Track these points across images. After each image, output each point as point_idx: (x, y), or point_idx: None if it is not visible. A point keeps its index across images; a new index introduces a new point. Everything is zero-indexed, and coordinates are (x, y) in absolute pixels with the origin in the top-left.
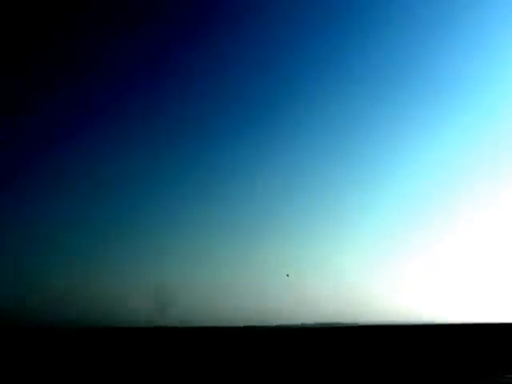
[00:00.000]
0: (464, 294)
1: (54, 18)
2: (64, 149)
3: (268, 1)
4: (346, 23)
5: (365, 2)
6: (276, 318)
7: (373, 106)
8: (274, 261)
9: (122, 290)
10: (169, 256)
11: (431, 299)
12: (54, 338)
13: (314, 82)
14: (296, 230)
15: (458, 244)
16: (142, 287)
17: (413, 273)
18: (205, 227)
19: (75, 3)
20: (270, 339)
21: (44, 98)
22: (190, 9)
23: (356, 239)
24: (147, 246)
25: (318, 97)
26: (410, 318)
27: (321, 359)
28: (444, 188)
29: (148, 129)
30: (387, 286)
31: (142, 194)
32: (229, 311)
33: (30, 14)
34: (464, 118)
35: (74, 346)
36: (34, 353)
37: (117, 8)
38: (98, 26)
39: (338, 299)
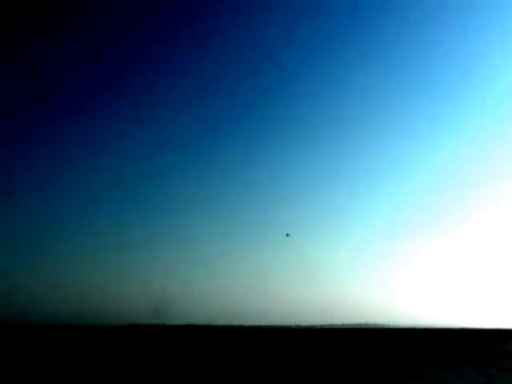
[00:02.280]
0: (456, 298)
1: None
2: (65, 148)
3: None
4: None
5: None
6: (265, 319)
7: (368, 109)
8: (259, 265)
9: (121, 289)
10: (169, 257)
11: (423, 303)
12: (48, 334)
13: (311, 80)
14: (282, 233)
15: (450, 247)
16: (142, 288)
17: (405, 276)
18: (198, 229)
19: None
20: (262, 339)
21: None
22: (190, 3)
23: (347, 241)
24: (147, 251)
25: (307, 101)
26: (403, 321)
27: (310, 359)
28: (438, 191)
29: (146, 128)
30: (379, 289)
31: (141, 195)
32: (222, 310)
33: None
34: (459, 125)
35: (68, 344)
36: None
37: (115, 7)
38: (90, 25)
39: (327, 302)
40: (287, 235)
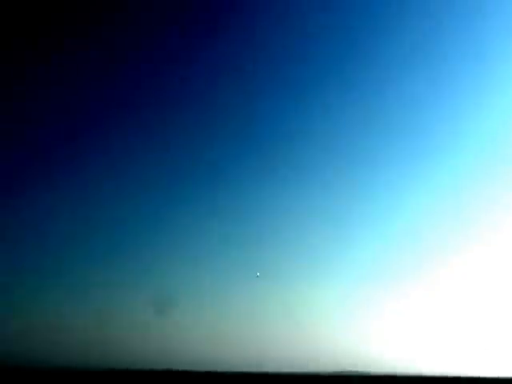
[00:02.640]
0: (444, 345)
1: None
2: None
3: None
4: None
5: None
6: (252, 365)
7: (354, 153)
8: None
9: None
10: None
11: (410, 349)
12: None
13: (315, 103)
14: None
15: (436, 291)
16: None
17: (389, 323)
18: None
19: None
20: None
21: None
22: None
23: (332, 287)
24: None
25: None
26: (387, 369)
27: None
28: (422, 237)
29: (152, 139)
30: (367, 335)
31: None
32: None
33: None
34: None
35: None
36: None
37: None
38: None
39: (312, 347)
40: (257, 276)
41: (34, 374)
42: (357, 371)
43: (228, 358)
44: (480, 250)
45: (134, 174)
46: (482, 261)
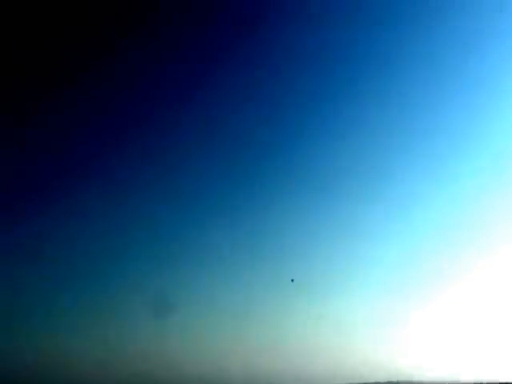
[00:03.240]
0: (467, 352)
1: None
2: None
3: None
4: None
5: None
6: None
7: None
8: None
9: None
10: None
11: (436, 358)
12: None
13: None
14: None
15: (460, 299)
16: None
17: (414, 330)
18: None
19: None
20: None
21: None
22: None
23: (357, 298)
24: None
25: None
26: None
27: None
28: (448, 241)
29: (157, 139)
30: (388, 346)
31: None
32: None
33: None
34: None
35: None
36: None
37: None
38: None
39: (341, 359)
40: (292, 281)
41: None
42: (389, 381)
43: (254, 373)
44: (506, 252)
45: (135, 174)
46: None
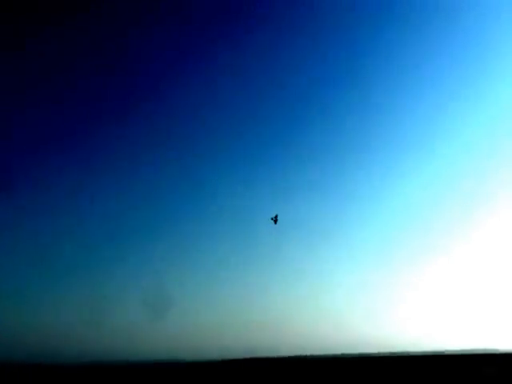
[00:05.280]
0: (460, 320)
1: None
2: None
3: None
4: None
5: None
6: (264, 351)
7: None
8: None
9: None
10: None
11: (429, 327)
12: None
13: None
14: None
15: (454, 266)
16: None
17: (407, 300)
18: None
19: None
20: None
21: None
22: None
23: (348, 271)
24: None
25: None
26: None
27: None
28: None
29: (159, 139)
30: (387, 317)
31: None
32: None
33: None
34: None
35: None
36: None
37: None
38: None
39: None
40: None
41: (32, 371)
42: (379, 352)
43: (256, 344)
44: (499, 224)
45: (135, 175)
46: (500, 234)
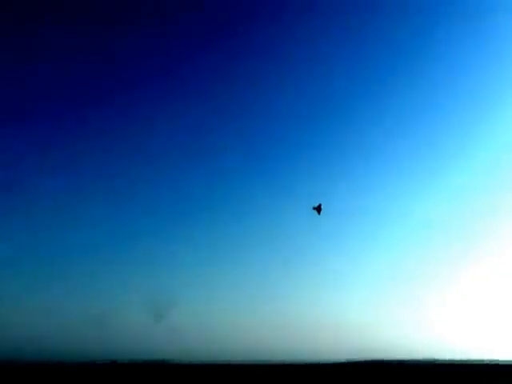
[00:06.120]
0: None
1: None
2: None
3: None
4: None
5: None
6: (279, 356)
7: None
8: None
9: None
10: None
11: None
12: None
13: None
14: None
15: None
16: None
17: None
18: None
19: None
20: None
21: None
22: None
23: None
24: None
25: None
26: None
27: None
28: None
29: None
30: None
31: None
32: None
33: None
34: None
35: None
36: None
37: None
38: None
39: (340, 337)
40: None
41: (32, 369)
42: (389, 359)
43: (259, 348)
44: None
45: (135, 175)
46: None
